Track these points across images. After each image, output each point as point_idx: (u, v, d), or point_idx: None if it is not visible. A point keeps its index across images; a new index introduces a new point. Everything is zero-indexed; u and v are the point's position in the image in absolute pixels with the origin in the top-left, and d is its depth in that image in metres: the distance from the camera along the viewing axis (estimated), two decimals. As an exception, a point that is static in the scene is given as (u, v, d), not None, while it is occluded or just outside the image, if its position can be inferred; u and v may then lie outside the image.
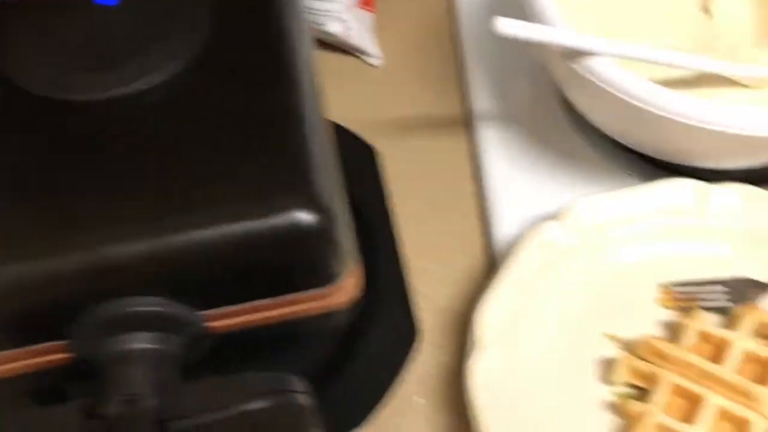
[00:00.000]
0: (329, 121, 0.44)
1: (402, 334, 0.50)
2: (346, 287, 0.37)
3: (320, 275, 0.35)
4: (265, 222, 0.33)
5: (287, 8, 0.43)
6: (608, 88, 0.50)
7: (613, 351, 0.49)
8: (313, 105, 0.39)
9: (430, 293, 0.54)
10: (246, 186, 0.34)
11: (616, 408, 0.47)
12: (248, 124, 0.36)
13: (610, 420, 0.46)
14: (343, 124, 0.59)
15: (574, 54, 0.50)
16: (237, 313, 0.35)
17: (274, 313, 0.36)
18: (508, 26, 0.49)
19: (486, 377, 0.47)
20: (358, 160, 0.58)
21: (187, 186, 0.35)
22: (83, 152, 0.37)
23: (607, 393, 0.48)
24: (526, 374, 0.48)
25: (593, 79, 0.50)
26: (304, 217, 0.33)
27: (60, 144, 0.38)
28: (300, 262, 0.35)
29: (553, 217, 0.53)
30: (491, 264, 0.56)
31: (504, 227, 0.56)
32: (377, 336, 0.50)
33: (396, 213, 0.58)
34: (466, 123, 0.64)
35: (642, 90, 0.49)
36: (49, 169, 0.37)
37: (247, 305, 0.35)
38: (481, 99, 0.65)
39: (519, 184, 0.59)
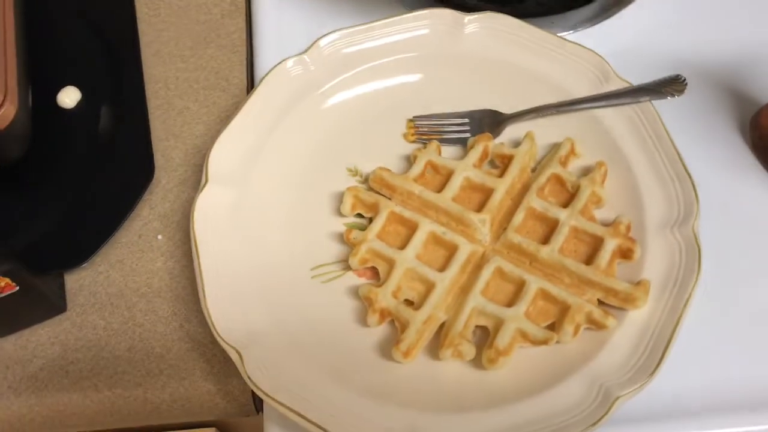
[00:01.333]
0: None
1: (137, 173, 0.49)
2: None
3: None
4: None
5: None
6: None
7: (354, 185, 0.49)
8: None
9: (185, 132, 0.53)
10: None
11: (344, 238, 0.47)
12: None
13: (338, 249, 0.47)
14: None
15: None
16: None
17: None
18: None
19: (212, 211, 0.46)
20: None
21: None
22: None
23: (341, 225, 0.48)
24: (260, 209, 0.48)
25: None
26: None
27: None
28: None
29: (304, 50, 0.51)
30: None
31: (269, 62, 0.54)
32: (110, 175, 0.49)
33: (160, 50, 0.56)
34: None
35: None
36: None
37: None
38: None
39: (291, 17, 0.57)
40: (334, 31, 0.51)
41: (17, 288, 0.42)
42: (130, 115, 0.51)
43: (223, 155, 0.48)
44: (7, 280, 0.41)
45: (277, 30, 0.56)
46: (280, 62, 0.51)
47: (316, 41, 0.51)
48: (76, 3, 0.55)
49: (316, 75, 0.51)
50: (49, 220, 0.48)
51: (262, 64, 0.55)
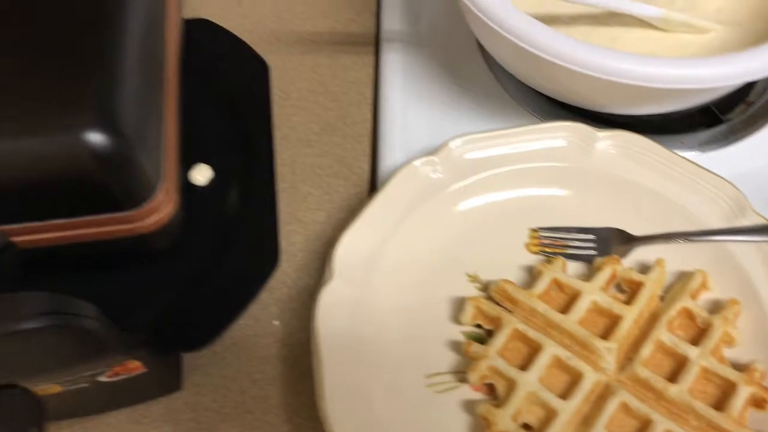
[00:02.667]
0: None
1: (262, 257, 0.50)
2: (153, 211, 0.37)
3: (120, 198, 0.35)
4: (49, 140, 0.32)
5: None
6: (492, 24, 0.48)
7: (472, 292, 0.49)
8: (136, 20, 0.37)
9: (307, 218, 0.54)
10: (34, 101, 0.33)
11: (460, 348, 0.47)
12: (49, 41, 0.35)
13: (454, 359, 0.47)
14: (244, 36, 0.58)
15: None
16: (38, 230, 0.35)
17: (78, 232, 0.35)
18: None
19: (333, 308, 0.47)
20: (248, 74, 0.56)
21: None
22: None
23: (457, 333, 0.48)
24: (378, 308, 0.48)
25: (479, 13, 0.48)
26: (94, 137, 0.32)
27: None
28: (92, 183, 0.34)
29: (432, 151, 0.52)
30: (373, 193, 0.55)
31: (393, 157, 0.55)
32: (237, 256, 0.50)
33: (288, 133, 0.58)
34: (376, 44, 0.62)
35: (524, 30, 0.47)
36: None
37: (47, 223, 0.35)
38: (394, 20, 0.62)
39: (417, 114, 0.58)
40: (464, 135, 0.52)
41: (146, 370, 0.43)
42: (260, 197, 0.51)
43: (348, 251, 0.48)
44: (139, 363, 0.42)
45: (402, 125, 0.57)
46: (408, 161, 0.51)
47: (446, 143, 0.52)
48: (214, 80, 0.57)
49: (444, 178, 0.51)
50: (172, 299, 0.48)
51: (384, 157, 0.55)
